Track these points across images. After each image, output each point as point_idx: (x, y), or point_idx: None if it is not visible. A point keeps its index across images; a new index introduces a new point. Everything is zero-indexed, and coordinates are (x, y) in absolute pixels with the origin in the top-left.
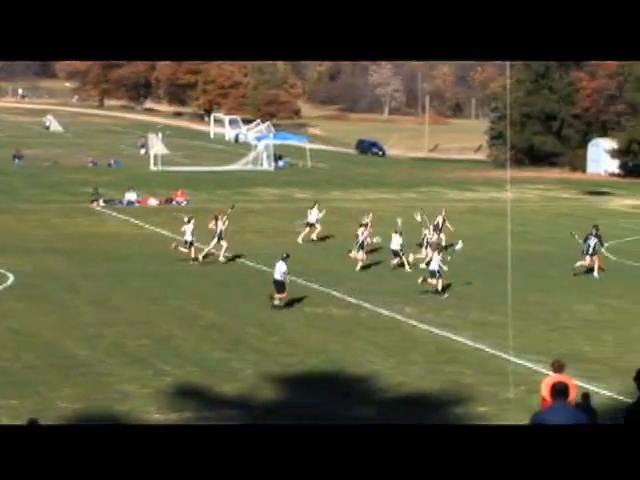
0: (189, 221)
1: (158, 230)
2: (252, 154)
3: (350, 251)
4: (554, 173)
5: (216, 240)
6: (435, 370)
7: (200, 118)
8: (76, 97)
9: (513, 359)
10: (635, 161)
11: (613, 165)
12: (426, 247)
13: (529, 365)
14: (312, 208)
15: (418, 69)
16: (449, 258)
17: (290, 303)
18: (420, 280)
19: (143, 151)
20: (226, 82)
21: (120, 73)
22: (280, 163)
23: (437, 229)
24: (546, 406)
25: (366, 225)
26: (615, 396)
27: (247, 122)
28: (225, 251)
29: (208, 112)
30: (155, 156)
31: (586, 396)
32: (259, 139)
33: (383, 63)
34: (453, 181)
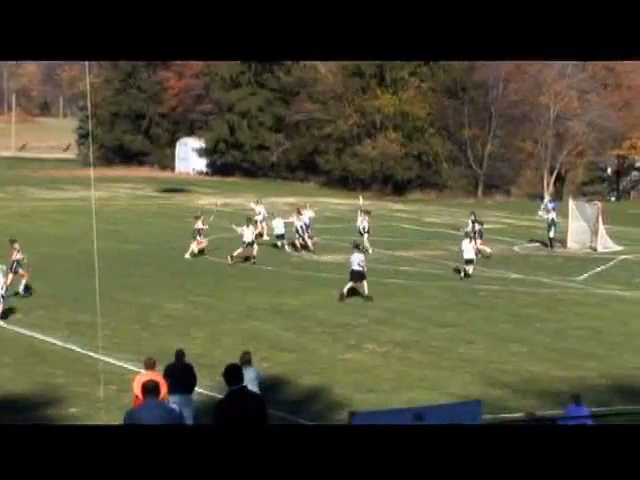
0: (252, 224)
1: None
2: None
3: None
4: (143, 172)
5: (200, 237)
6: (25, 371)
7: None
8: None
9: (104, 358)
10: (222, 160)
11: (201, 164)
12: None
13: (120, 364)
14: (256, 205)
15: (3, 67)
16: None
17: None
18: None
19: None
20: None
21: None
22: None
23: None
24: (138, 404)
25: None
26: (203, 391)
27: None
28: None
29: None
30: None
31: None
32: None
33: None
34: (42, 180)
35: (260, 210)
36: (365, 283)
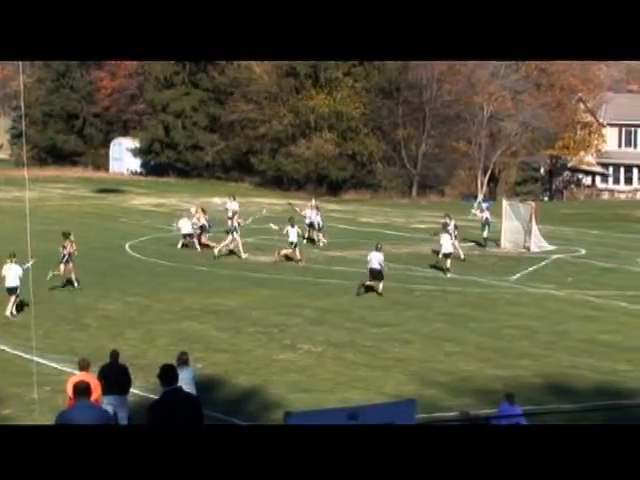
0: (292, 225)
1: None
2: None
3: None
4: (77, 172)
5: (231, 236)
6: None
7: None
8: None
9: (38, 359)
10: (156, 160)
11: (135, 164)
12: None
13: (54, 365)
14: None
15: None
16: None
17: None
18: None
19: None
20: None
21: None
22: None
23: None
24: (71, 405)
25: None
26: (138, 392)
27: None
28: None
29: None
30: None
31: None
32: None
33: None
34: None
35: (232, 207)
36: (381, 282)
